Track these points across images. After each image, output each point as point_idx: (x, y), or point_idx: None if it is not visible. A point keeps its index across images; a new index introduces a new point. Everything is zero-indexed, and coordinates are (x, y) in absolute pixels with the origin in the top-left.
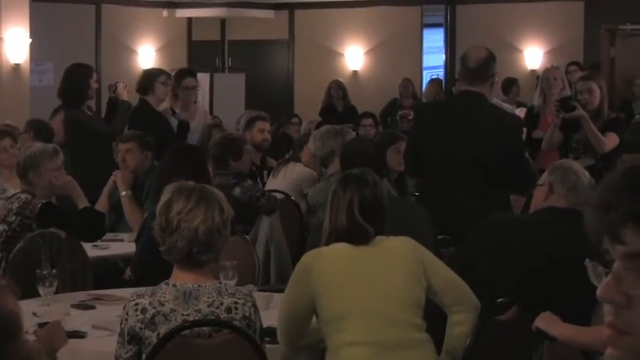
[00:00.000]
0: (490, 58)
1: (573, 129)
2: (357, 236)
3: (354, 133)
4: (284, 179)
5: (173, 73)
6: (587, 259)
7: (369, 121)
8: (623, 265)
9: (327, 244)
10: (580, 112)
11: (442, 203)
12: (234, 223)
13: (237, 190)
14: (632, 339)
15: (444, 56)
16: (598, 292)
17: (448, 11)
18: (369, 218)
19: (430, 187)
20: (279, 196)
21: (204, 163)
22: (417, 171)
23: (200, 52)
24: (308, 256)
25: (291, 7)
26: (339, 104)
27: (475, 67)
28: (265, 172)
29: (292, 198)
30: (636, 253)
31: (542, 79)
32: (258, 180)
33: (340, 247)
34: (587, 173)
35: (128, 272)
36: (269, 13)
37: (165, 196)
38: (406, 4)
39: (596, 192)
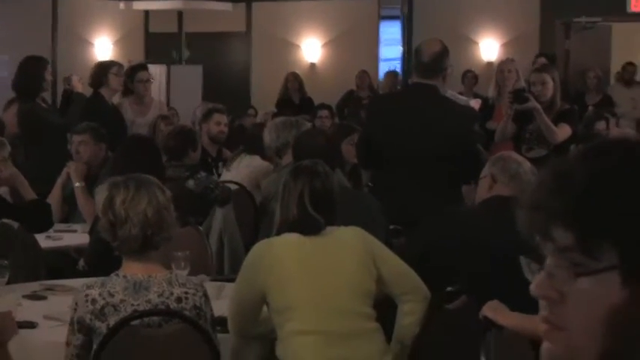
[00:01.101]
0: (443, 52)
1: (526, 120)
2: (308, 227)
3: (310, 125)
4: (238, 171)
5: (128, 66)
6: (521, 256)
7: (325, 112)
8: (555, 262)
9: (278, 234)
10: (533, 103)
11: (395, 194)
12: (188, 215)
13: (190, 182)
14: (565, 334)
15: (400, 48)
16: (531, 288)
17: (405, 3)
18: (320, 209)
19: (383, 179)
20: (233, 187)
21: (157, 156)
22: (368, 163)
23: (157, 45)
24: (258, 247)
25: (249, 0)
26: (295, 96)
27: (428, 60)
28: (221, 164)
29: (247, 189)
30: (565, 247)
31: (496, 71)
32: (214, 172)
33: (291, 238)
34: (528, 162)
35: (82, 263)
36: (226, 6)
37: (102, 195)
38: None
39: (526, 192)
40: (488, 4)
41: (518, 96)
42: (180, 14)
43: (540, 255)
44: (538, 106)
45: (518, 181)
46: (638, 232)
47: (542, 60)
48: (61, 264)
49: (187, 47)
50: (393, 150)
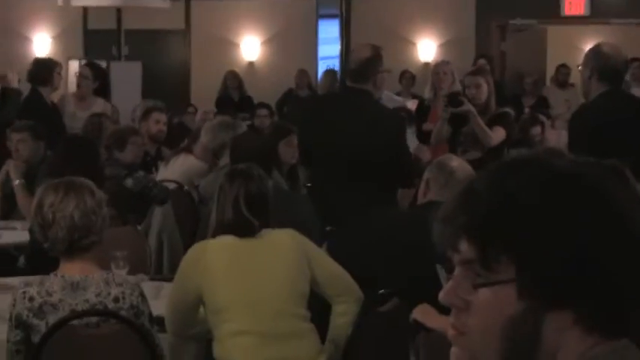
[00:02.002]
0: (374, 58)
1: (461, 123)
2: (243, 229)
3: (246, 126)
4: (174, 169)
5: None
6: (437, 265)
7: (264, 111)
8: (461, 273)
9: (213, 236)
10: (467, 106)
11: (329, 196)
12: (127, 213)
13: (129, 181)
14: (467, 339)
15: (339, 47)
16: (440, 295)
17: (343, 2)
18: (255, 212)
19: (317, 180)
20: (171, 185)
21: (95, 155)
22: (308, 162)
23: (96, 41)
24: (194, 249)
25: None
26: (235, 94)
27: (357, 67)
28: (160, 163)
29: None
30: (469, 260)
31: (432, 73)
32: (154, 170)
33: (226, 240)
34: (467, 168)
35: (22, 260)
36: (165, 3)
37: (35, 199)
38: None
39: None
40: (425, 5)
41: (453, 99)
42: (119, 11)
43: (452, 264)
44: (472, 109)
45: (448, 191)
46: (534, 249)
47: (483, 62)
48: (1, 261)
49: (126, 44)
50: (325, 153)
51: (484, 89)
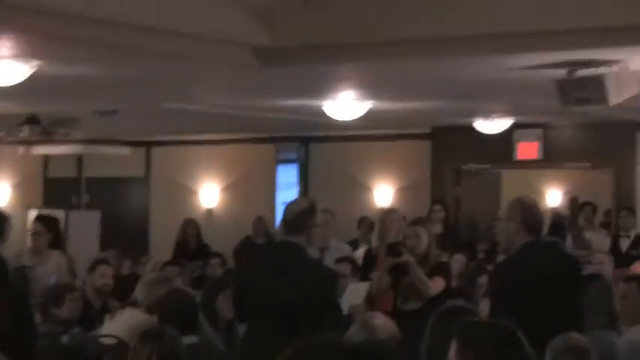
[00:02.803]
0: (308, 211)
1: (401, 273)
2: None
3: (180, 281)
4: (120, 324)
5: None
6: None
7: (217, 260)
8: None
9: None
10: (406, 257)
11: (261, 349)
12: None
13: (64, 338)
14: None
15: (297, 191)
16: None
17: (301, 148)
18: None
19: (251, 334)
20: (112, 340)
21: (28, 315)
22: (241, 316)
23: (56, 189)
24: None
25: (148, 145)
26: (192, 242)
27: (290, 219)
28: (107, 316)
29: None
30: None
31: (379, 221)
32: (99, 324)
33: None
34: (390, 327)
35: None
36: (126, 150)
37: None
38: (261, 142)
39: None
40: (381, 150)
41: (393, 249)
42: (79, 159)
43: None
44: (411, 259)
45: None
46: None
47: (438, 207)
48: None
49: (87, 192)
50: (257, 306)
51: (424, 239)
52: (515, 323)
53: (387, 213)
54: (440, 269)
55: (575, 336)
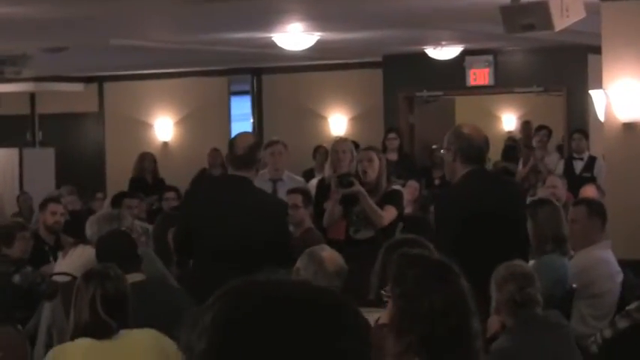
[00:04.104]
0: (256, 145)
1: (352, 203)
2: (100, 331)
3: (131, 219)
4: (72, 261)
5: None
6: None
7: (172, 194)
8: None
9: (72, 339)
10: (357, 187)
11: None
12: (15, 310)
13: (16, 277)
14: None
15: (251, 122)
16: None
17: (254, 80)
18: (112, 313)
19: (200, 270)
20: (65, 278)
21: None
22: (182, 253)
23: (9, 127)
24: (53, 352)
25: (100, 80)
26: (149, 176)
27: (241, 154)
28: (60, 253)
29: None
30: None
31: (331, 151)
32: (52, 260)
33: (83, 343)
34: (337, 259)
35: None
36: (78, 86)
37: None
38: (213, 75)
39: None
40: (333, 79)
41: (343, 180)
42: (32, 96)
43: None
44: (362, 190)
45: (319, 278)
46: None
47: (393, 135)
48: None
49: (40, 129)
50: (206, 241)
51: (375, 164)
52: (455, 253)
53: (337, 143)
54: (391, 197)
55: (519, 263)
